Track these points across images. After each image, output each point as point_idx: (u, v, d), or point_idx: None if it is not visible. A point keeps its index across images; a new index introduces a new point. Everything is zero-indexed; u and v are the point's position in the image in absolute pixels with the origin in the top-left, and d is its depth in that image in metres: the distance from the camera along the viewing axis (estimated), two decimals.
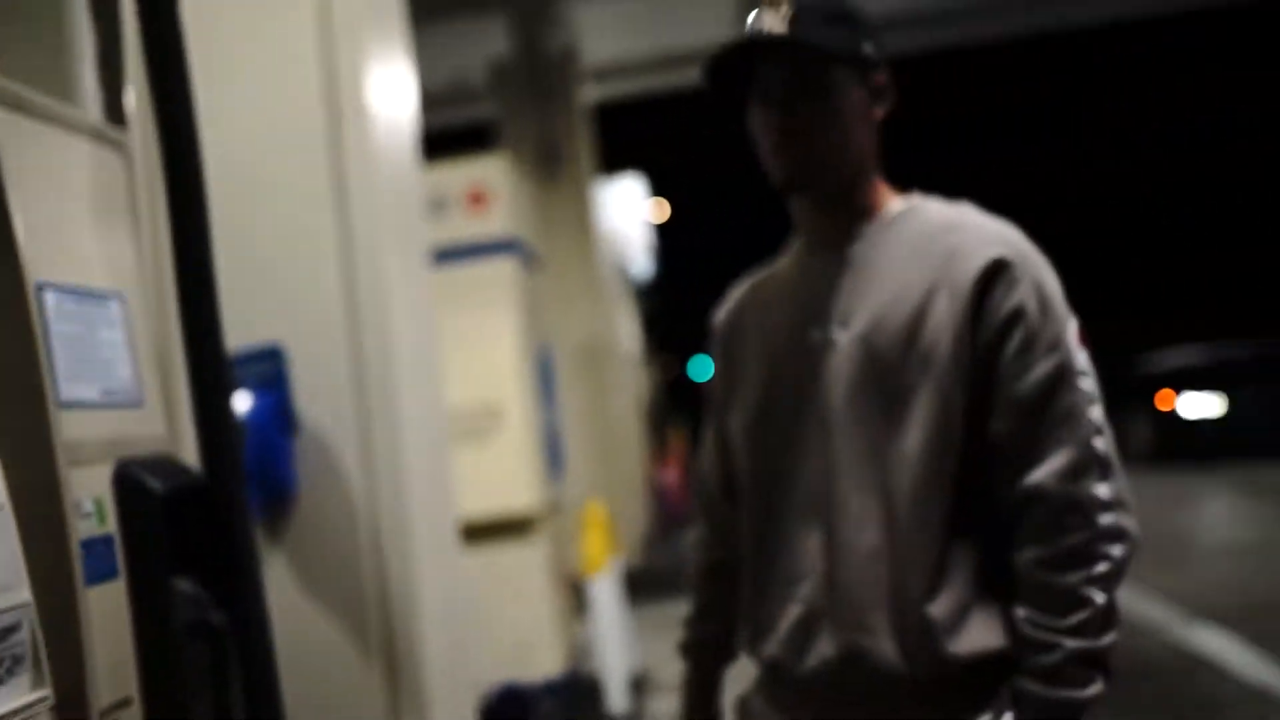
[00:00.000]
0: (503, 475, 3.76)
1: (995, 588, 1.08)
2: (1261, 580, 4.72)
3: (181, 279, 1.18)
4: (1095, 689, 1.01)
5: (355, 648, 2.01)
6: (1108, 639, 1.02)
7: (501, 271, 4.05)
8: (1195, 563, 5.42)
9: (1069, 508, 1.03)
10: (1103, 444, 1.05)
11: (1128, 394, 9.62)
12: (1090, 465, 1.04)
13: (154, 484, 1.06)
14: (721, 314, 1.34)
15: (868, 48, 1.16)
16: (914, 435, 1.08)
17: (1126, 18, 9.08)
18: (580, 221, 6.18)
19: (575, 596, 4.41)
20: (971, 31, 8.77)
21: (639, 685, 4.20)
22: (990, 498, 1.09)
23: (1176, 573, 5.07)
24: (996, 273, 1.08)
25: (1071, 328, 1.10)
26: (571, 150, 6.38)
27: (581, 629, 4.46)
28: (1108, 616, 1.02)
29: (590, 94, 7.24)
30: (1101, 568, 1.02)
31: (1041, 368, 1.06)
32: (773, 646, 1.16)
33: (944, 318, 1.08)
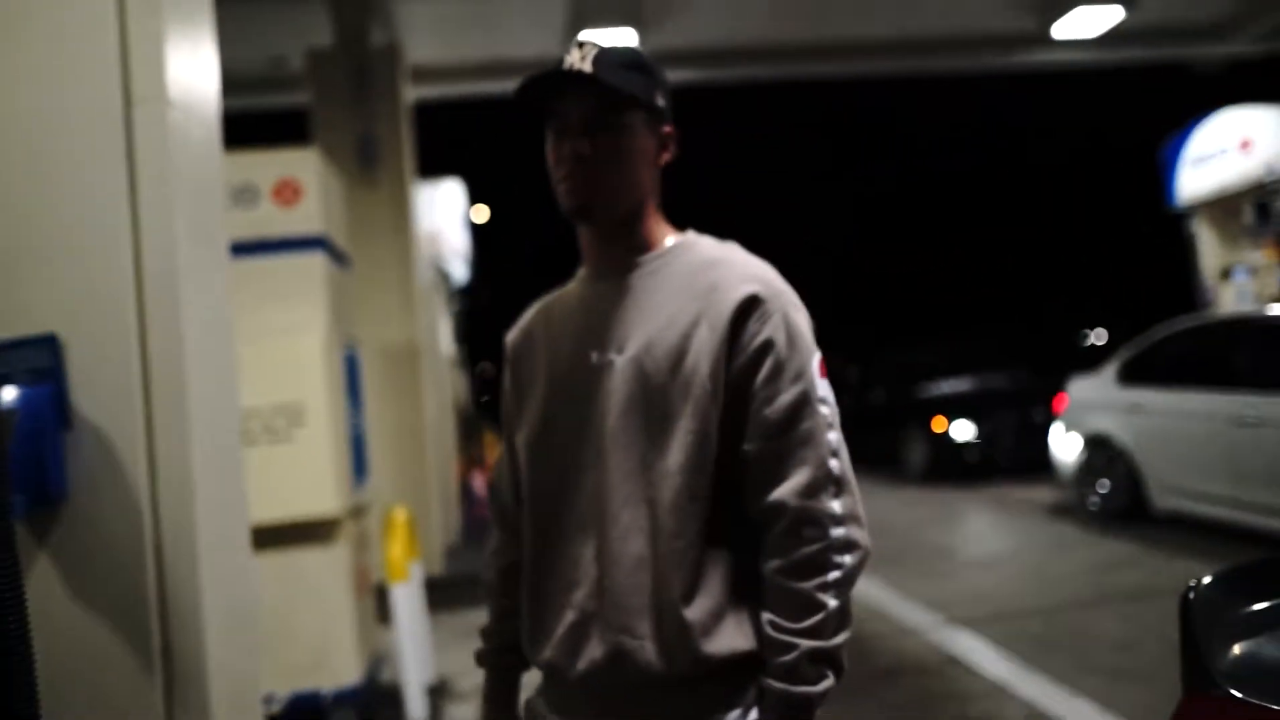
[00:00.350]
0: (303, 477, 3.64)
1: (748, 594, 1.18)
2: (1007, 588, 5.30)
3: None
4: (827, 684, 1.13)
5: (132, 658, 1.89)
6: (839, 639, 1.14)
7: (309, 267, 3.92)
8: (953, 572, 5.97)
9: (805, 521, 1.14)
10: (837, 464, 1.18)
11: (908, 418, 10.50)
12: (825, 483, 1.16)
13: None
14: (513, 334, 1.42)
15: (660, 99, 1.27)
16: (675, 453, 1.17)
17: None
18: (397, 221, 6.01)
19: (377, 602, 4.32)
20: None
21: (437, 693, 4.16)
22: (741, 511, 1.20)
23: (937, 581, 5.61)
24: (750, 307, 1.19)
25: (815, 360, 1.22)
26: (391, 148, 6.21)
27: (381, 635, 4.37)
28: (840, 619, 1.14)
29: (411, 94, 7.09)
30: (834, 575, 1.13)
31: (787, 395, 1.18)
32: (549, 650, 1.22)
33: (704, 346, 1.19)
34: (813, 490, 1.15)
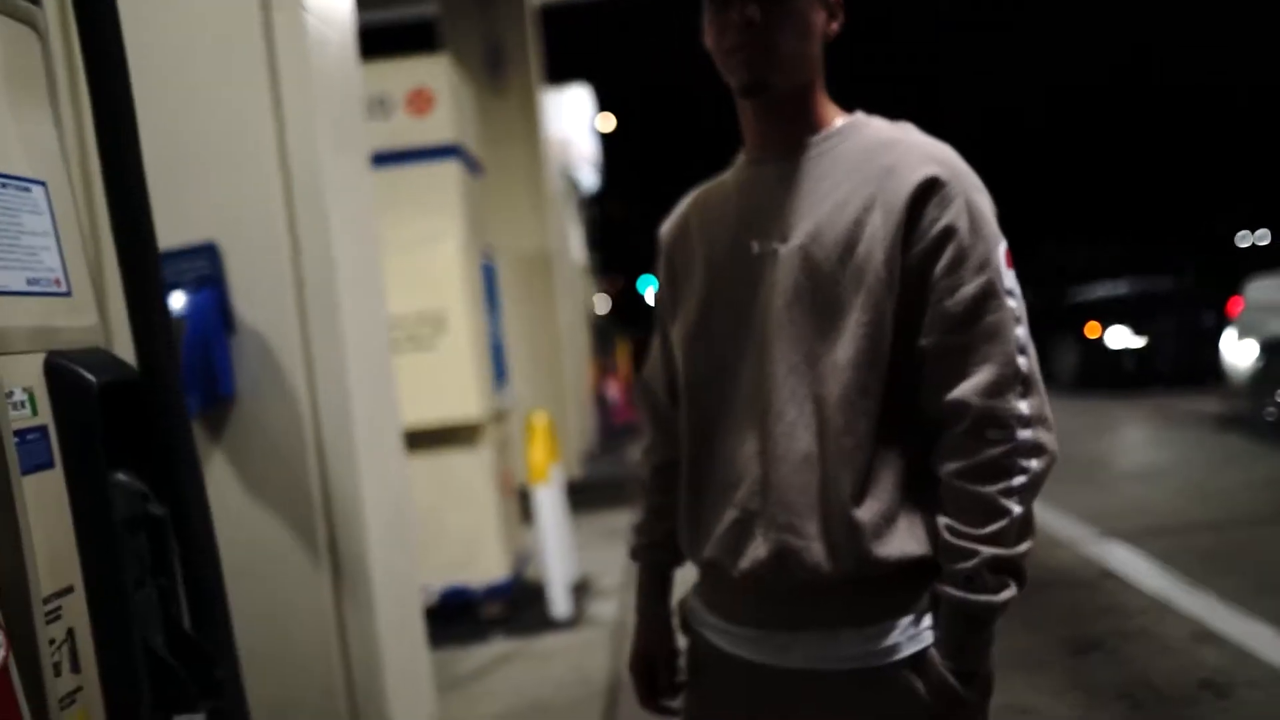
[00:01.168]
0: (447, 383, 3.76)
1: (920, 497, 1.11)
2: (1171, 502, 4.98)
3: (108, 168, 1.13)
4: (1009, 593, 1.05)
5: (300, 553, 2.01)
6: (1023, 547, 1.06)
7: (444, 176, 3.96)
8: (1111, 484, 5.68)
9: (990, 421, 1.05)
10: (1026, 362, 1.07)
11: (1058, 322, 9.93)
12: (1012, 381, 1.06)
13: (88, 377, 1.04)
14: (667, 225, 1.34)
15: None
16: (846, 346, 1.09)
17: None
18: (526, 129, 5.98)
19: (520, 503, 4.49)
20: None
21: (579, 590, 4.31)
22: (916, 410, 1.12)
23: (1093, 492, 5.33)
24: (930, 190, 1.08)
25: (1001, 248, 1.11)
26: (518, 55, 6.14)
27: (525, 535, 4.55)
28: (1023, 526, 1.06)
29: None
30: (1019, 480, 1.05)
31: (970, 286, 1.07)
32: (710, 548, 1.18)
33: (878, 233, 1.09)
34: (999, 389, 1.06)
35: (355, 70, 2.44)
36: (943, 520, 1.08)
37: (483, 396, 3.87)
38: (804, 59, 1.15)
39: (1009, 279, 1.10)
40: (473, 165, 4.32)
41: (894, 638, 1.10)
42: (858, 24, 1.44)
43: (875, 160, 1.13)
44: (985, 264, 1.08)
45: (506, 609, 4.05)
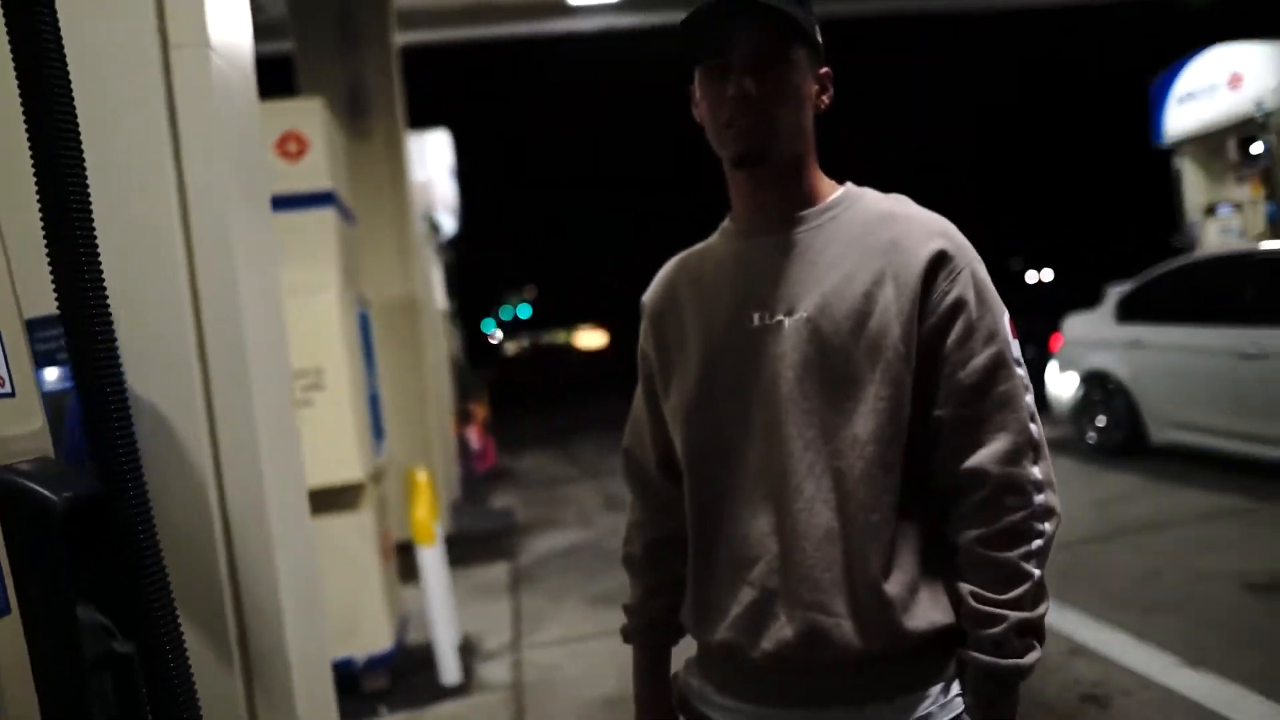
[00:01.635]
0: (327, 443, 3.53)
1: (939, 565, 1.13)
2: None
3: (54, 252, 0.99)
4: (1034, 655, 1.08)
5: (208, 648, 1.80)
6: (1043, 608, 1.10)
7: (320, 225, 3.76)
8: None
9: (1008, 488, 1.08)
10: (1036, 429, 1.12)
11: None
12: (1026, 449, 1.10)
13: (48, 496, 0.89)
14: (652, 293, 1.31)
15: (819, 35, 1.17)
16: (866, 420, 1.10)
17: None
18: (392, 173, 5.78)
19: (399, 565, 4.26)
20: None
21: (465, 651, 4.13)
22: (930, 479, 1.13)
23: None
24: (939, 264, 1.11)
25: (1005, 318, 1.15)
26: (382, 97, 5.95)
27: (404, 596, 4.32)
28: (1041, 588, 1.10)
29: (399, 39, 6.82)
30: (1036, 544, 1.08)
31: (981, 357, 1.11)
32: (724, 630, 1.15)
33: (891, 307, 1.11)
34: (1015, 457, 1.09)
35: (256, 111, 2.28)
36: (966, 587, 1.10)
37: (364, 455, 3.66)
38: (798, 131, 1.16)
39: (1015, 348, 1.14)
40: (346, 213, 4.13)
41: (925, 708, 1.11)
42: None
43: (878, 234, 1.15)
44: (994, 335, 1.12)
45: (390, 679, 3.82)
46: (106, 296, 1.02)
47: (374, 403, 4.10)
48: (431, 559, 3.83)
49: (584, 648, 4.14)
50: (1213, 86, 9.43)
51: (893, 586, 1.09)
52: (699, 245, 1.32)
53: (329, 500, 3.59)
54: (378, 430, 4.09)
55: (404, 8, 7.31)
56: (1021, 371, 1.13)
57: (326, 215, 3.78)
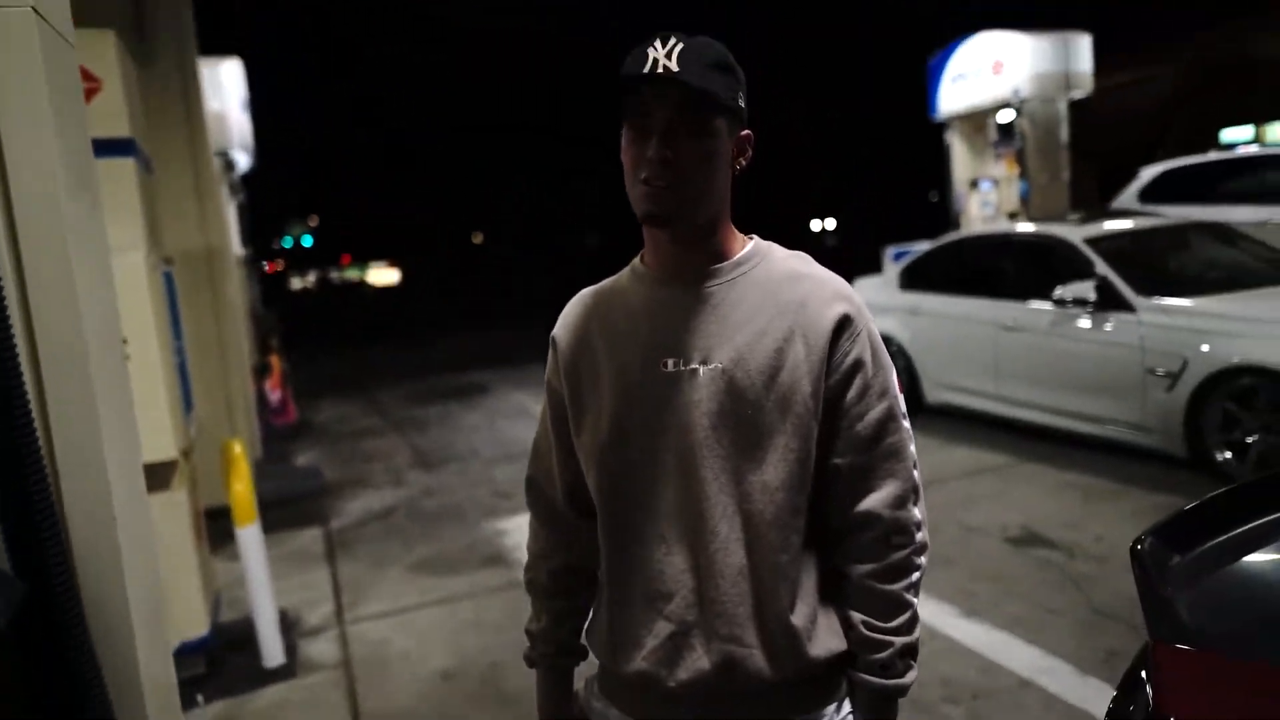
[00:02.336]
0: (141, 419, 3.23)
1: (831, 595, 1.27)
2: None
3: None
4: (913, 674, 1.26)
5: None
6: (918, 631, 1.27)
7: (121, 176, 3.38)
8: None
9: (896, 530, 1.23)
10: (917, 475, 1.28)
11: None
12: (910, 494, 1.25)
13: None
14: (564, 329, 1.35)
15: (741, 100, 1.22)
16: (775, 468, 1.20)
17: None
18: (185, 107, 5.22)
19: (208, 532, 4.02)
20: None
21: (285, 629, 3.99)
22: (823, 518, 1.26)
23: None
24: (843, 327, 1.23)
25: (894, 375, 1.28)
26: (169, 16, 5.35)
27: (215, 574, 4.09)
28: (916, 614, 1.26)
29: None
30: (915, 576, 1.25)
31: (875, 411, 1.24)
32: (640, 661, 1.24)
33: (801, 364, 1.21)
34: (901, 502, 1.24)
35: (76, 66, 2.00)
36: (857, 616, 1.24)
37: (177, 430, 3.41)
38: (710, 196, 1.22)
39: (901, 402, 1.28)
40: (146, 162, 3.74)
41: None
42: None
43: (787, 292, 1.24)
44: (885, 391, 1.25)
45: (207, 664, 3.64)
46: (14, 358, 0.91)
47: (182, 371, 3.80)
48: (251, 539, 3.65)
49: (411, 619, 4.13)
50: (979, 70, 10.39)
51: (798, 618, 1.22)
52: (607, 283, 1.36)
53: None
54: (187, 401, 3.80)
55: None
56: (907, 424, 1.28)
57: (126, 165, 3.40)
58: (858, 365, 1.23)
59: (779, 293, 1.24)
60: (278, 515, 5.63)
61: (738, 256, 1.27)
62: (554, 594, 1.41)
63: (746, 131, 1.26)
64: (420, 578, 4.64)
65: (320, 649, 3.88)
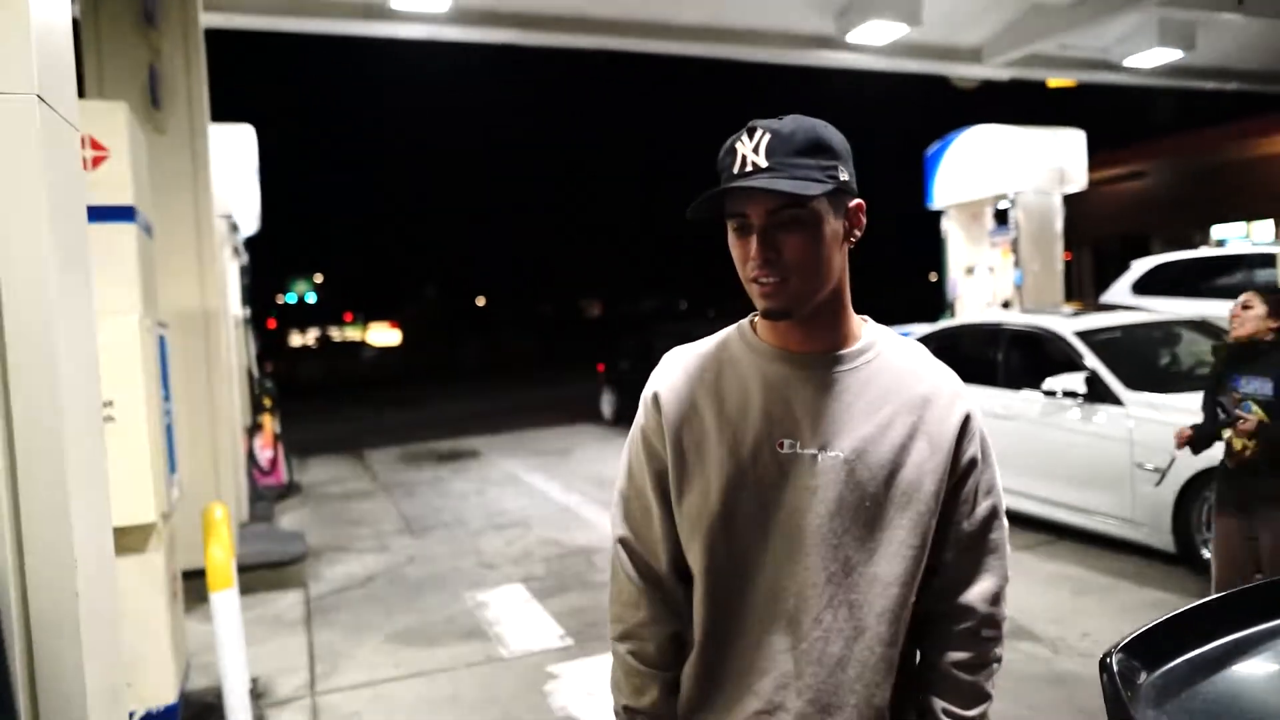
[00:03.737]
0: (117, 481, 3.22)
1: (914, 679, 1.29)
2: None
3: None
4: None
5: None
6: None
7: (119, 242, 3.46)
8: None
9: (989, 624, 1.26)
10: (1009, 572, 1.30)
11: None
12: (1004, 591, 1.28)
13: None
14: (667, 389, 1.29)
15: (844, 174, 1.18)
16: (891, 563, 1.20)
17: None
18: (194, 173, 5.34)
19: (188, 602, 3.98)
20: None
21: (256, 696, 3.92)
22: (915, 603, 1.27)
23: None
24: (966, 427, 1.25)
25: (998, 472, 1.30)
26: (183, 85, 5.49)
27: (186, 638, 4.03)
28: (990, 704, 1.29)
29: (205, 21, 6.33)
30: (996, 667, 1.28)
31: (982, 508, 1.27)
32: None
33: (926, 464, 1.21)
34: (997, 598, 1.27)
35: (75, 106, 2.04)
36: (939, 703, 1.26)
37: (159, 494, 3.40)
38: (823, 282, 1.19)
39: (1003, 498, 1.30)
40: (147, 227, 3.82)
41: None
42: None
43: (911, 387, 1.25)
44: (992, 488, 1.28)
45: None
46: None
47: (168, 433, 3.81)
48: (224, 606, 3.60)
49: (386, 692, 4.05)
50: (974, 163, 10.62)
51: (892, 709, 1.24)
52: (710, 346, 1.32)
53: (118, 541, 3.30)
54: (171, 464, 3.80)
55: None
56: (1006, 521, 1.30)
57: (127, 231, 3.48)
58: (973, 464, 1.25)
59: (902, 387, 1.24)
60: (258, 578, 5.56)
61: (860, 344, 1.26)
62: (666, 665, 1.32)
63: (857, 201, 1.22)
64: (398, 649, 4.57)
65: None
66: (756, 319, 1.30)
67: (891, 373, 1.25)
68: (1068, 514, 5.67)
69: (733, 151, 1.16)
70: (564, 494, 8.18)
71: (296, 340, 45.24)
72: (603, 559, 5.97)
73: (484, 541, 6.64)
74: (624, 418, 12.37)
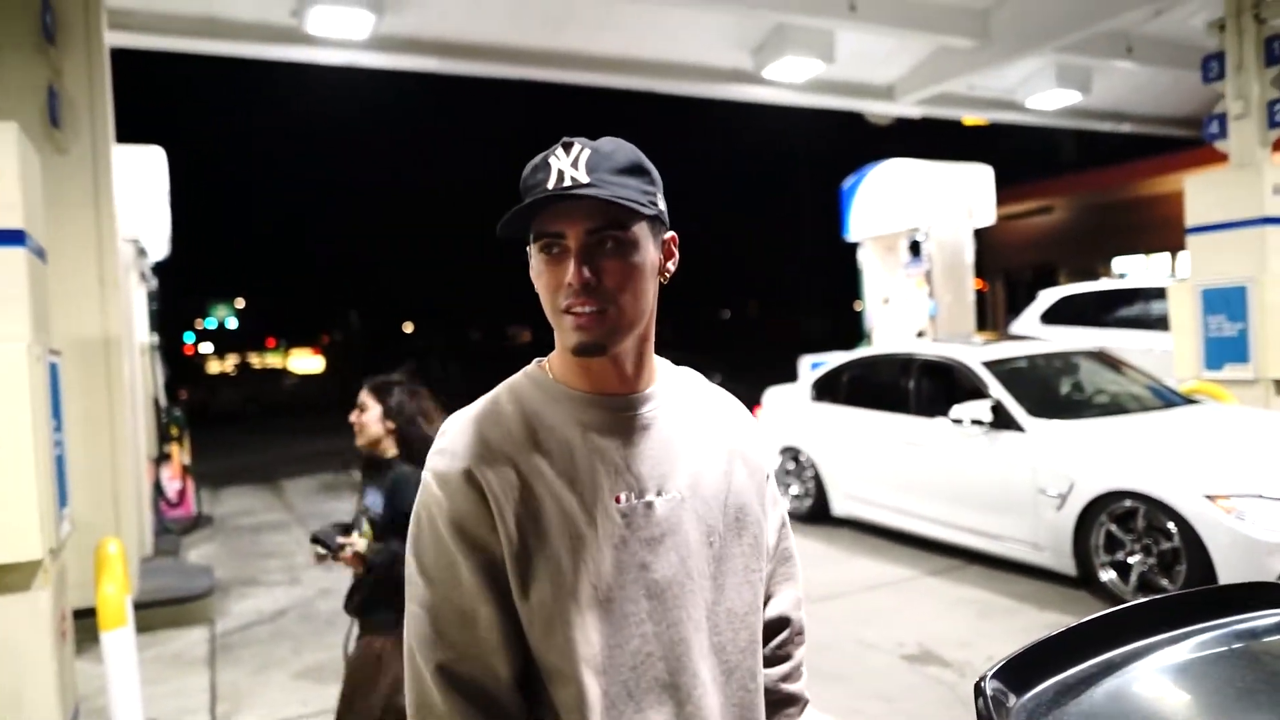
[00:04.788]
0: (4, 516, 3.10)
1: None
2: None
3: None
4: None
5: None
6: None
7: (9, 266, 3.32)
8: None
9: (799, 630, 1.28)
10: None
11: None
12: (801, 594, 1.31)
13: None
14: (477, 461, 1.07)
15: (662, 203, 1.11)
16: (741, 594, 1.15)
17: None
18: (96, 195, 5.13)
19: (75, 631, 3.79)
20: None
21: None
22: None
23: None
24: (760, 440, 1.26)
25: None
26: (85, 105, 5.32)
27: (75, 680, 3.83)
28: None
29: (111, 40, 6.16)
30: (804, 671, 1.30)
31: (781, 516, 1.28)
32: None
33: (747, 483, 1.19)
34: (799, 603, 1.29)
35: None
36: None
37: (45, 529, 3.25)
38: (641, 315, 1.09)
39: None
40: (39, 250, 3.68)
41: None
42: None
43: (718, 411, 1.22)
44: (778, 497, 1.29)
45: None
46: None
47: (59, 465, 3.65)
48: (118, 645, 3.46)
49: None
50: (887, 197, 10.97)
51: None
52: (500, 404, 1.13)
53: None
54: (61, 497, 3.64)
55: (116, 6, 6.63)
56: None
57: (16, 255, 3.35)
58: (768, 475, 1.25)
59: (711, 413, 1.21)
60: (160, 615, 5.33)
61: (661, 378, 1.18)
62: None
63: (670, 234, 1.14)
64: (305, 685, 4.43)
65: None
66: (550, 363, 1.16)
67: (697, 400, 1.21)
68: (976, 539, 5.83)
69: (545, 167, 1.04)
70: None
71: (215, 367, 43.84)
72: None
73: None
74: None
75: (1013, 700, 1.69)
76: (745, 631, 1.16)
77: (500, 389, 1.16)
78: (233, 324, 51.90)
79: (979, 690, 1.72)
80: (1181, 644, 1.82)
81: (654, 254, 1.10)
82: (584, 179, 1.02)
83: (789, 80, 9.82)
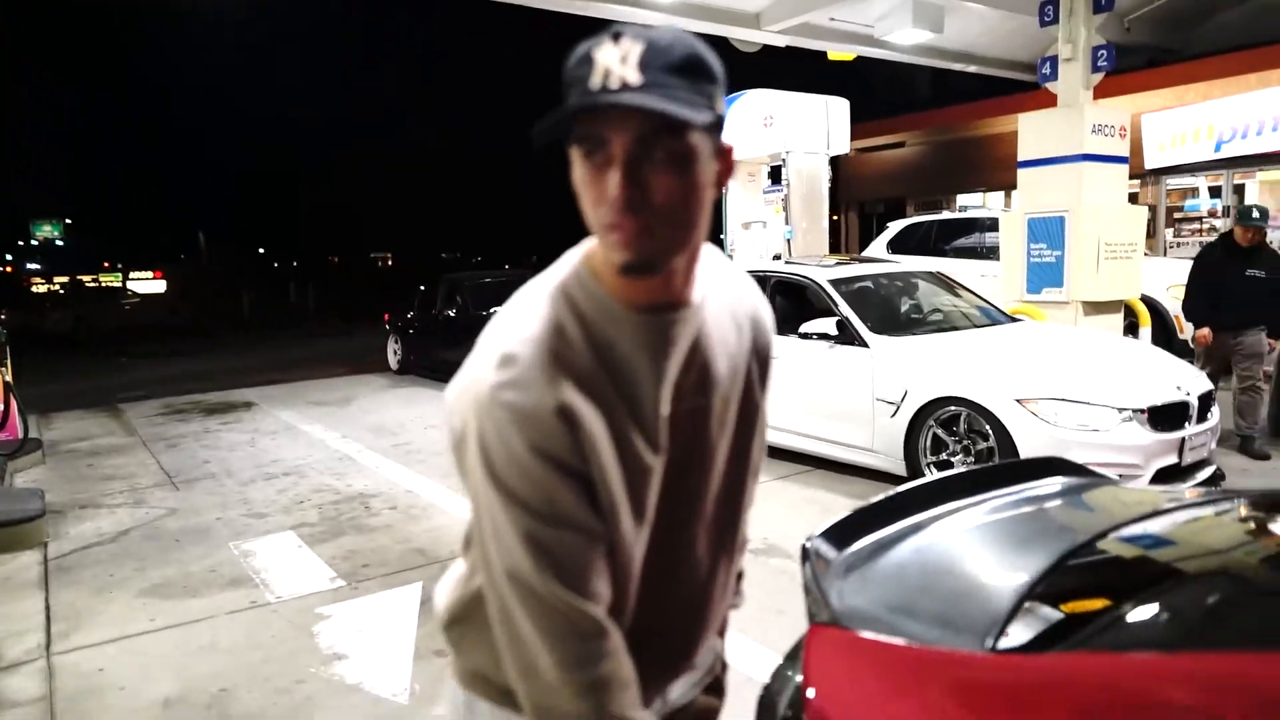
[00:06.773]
0: None
1: None
2: None
3: None
4: None
5: None
6: None
7: None
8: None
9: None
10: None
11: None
12: None
13: None
14: (569, 391, 0.97)
15: (721, 107, 0.96)
16: (750, 482, 1.26)
17: None
18: None
19: None
20: None
21: None
22: None
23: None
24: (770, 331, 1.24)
25: None
26: None
27: None
28: None
29: None
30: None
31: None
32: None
33: (757, 377, 1.20)
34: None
35: None
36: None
37: None
38: (698, 231, 0.97)
39: None
40: None
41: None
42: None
43: (739, 300, 1.17)
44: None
45: None
46: None
47: None
48: None
49: (136, 646, 3.82)
50: (751, 124, 11.16)
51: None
52: (558, 309, 1.01)
53: None
54: None
55: None
56: None
57: None
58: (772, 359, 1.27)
59: (734, 300, 1.16)
60: None
61: (702, 274, 1.07)
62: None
63: (730, 144, 0.99)
64: (152, 602, 4.32)
65: (17, 684, 3.50)
66: (595, 265, 1.02)
67: (728, 295, 1.14)
68: (821, 446, 6.21)
69: (589, 61, 0.90)
70: (342, 442, 7.95)
71: (41, 287, 40.44)
72: (380, 503, 5.89)
73: (254, 491, 6.35)
74: (409, 367, 12.09)
75: (833, 555, 1.89)
76: (745, 512, 1.28)
77: (553, 297, 1.02)
78: (61, 240, 47.83)
79: (805, 551, 1.91)
80: (978, 508, 2.07)
81: (712, 165, 0.95)
82: (636, 80, 0.87)
83: (658, 1, 9.75)
